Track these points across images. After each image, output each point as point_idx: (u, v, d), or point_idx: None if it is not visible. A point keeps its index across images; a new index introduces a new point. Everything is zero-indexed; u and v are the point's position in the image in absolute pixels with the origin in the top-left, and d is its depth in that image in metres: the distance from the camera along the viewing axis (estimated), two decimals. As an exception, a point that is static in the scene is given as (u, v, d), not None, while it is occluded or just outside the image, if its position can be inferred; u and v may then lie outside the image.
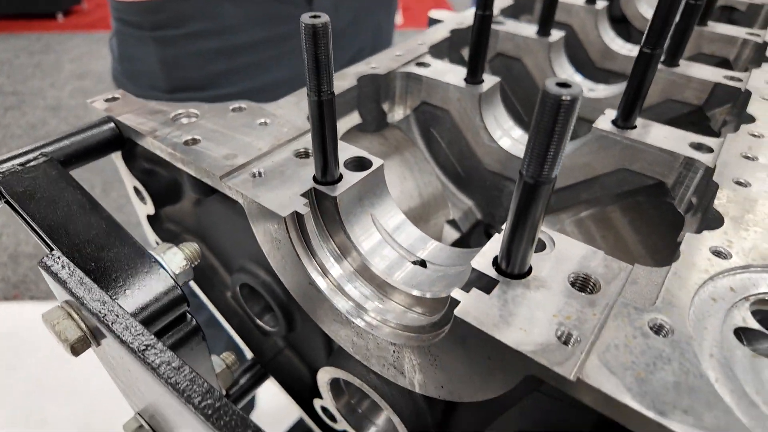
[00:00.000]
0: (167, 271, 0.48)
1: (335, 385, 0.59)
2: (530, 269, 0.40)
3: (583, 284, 0.39)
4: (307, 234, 0.47)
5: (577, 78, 0.84)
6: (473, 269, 0.40)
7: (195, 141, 0.54)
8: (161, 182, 0.65)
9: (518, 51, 0.85)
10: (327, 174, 0.48)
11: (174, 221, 0.71)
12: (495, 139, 0.68)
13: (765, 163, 0.52)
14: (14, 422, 2.09)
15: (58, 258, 0.44)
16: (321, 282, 0.47)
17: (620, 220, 0.68)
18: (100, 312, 0.39)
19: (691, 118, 0.74)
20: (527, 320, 0.35)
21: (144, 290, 0.47)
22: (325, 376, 0.58)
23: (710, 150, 0.55)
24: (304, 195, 0.47)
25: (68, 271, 0.43)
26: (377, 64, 0.71)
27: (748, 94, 0.65)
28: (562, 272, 0.39)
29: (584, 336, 0.34)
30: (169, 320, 0.49)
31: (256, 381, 0.72)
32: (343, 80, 0.67)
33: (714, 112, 0.72)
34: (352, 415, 0.61)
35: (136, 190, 0.67)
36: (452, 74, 0.70)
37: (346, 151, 0.52)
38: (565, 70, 0.84)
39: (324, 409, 0.65)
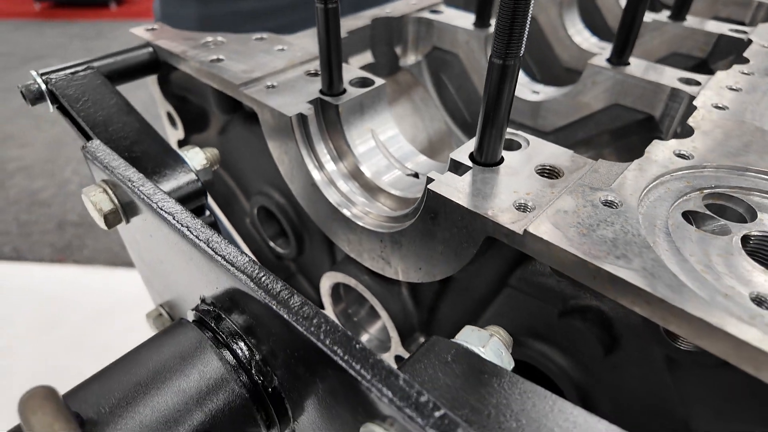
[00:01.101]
0: (190, 167, 0.55)
1: (335, 292, 0.65)
2: (502, 159, 0.44)
3: (549, 173, 0.43)
4: (310, 135, 0.52)
5: (585, 34, 0.87)
6: (451, 159, 0.45)
7: (219, 60, 0.60)
8: (191, 108, 0.72)
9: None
10: (332, 87, 0.54)
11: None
12: (499, 81, 0.72)
13: (748, 93, 0.54)
14: (55, 374, 2.25)
15: (98, 144, 0.52)
16: (317, 175, 0.52)
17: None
18: (129, 180, 0.46)
19: (696, 72, 0.76)
20: (491, 195, 0.40)
21: (169, 179, 0.54)
22: (326, 282, 0.64)
23: (698, 83, 0.57)
24: (310, 102, 0.53)
25: (105, 153, 0.50)
26: (392, 9, 0.76)
27: (750, 44, 0.66)
28: (531, 164, 0.43)
29: (539, 206, 0.38)
30: (189, 209, 0.56)
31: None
32: (358, 20, 0.72)
33: (718, 65, 0.73)
34: (349, 322, 0.66)
35: (168, 115, 0.74)
36: (462, 19, 0.74)
37: (352, 72, 0.58)
38: (576, 26, 0.87)
39: (325, 322, 0.70)
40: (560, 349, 0.48)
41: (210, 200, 0.83)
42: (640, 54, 0.79)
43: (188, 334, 0.42)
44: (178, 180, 0.54)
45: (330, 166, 0.53)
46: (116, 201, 0.50)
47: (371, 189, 0.53)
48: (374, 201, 0.53)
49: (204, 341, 0.41)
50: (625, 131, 0.64)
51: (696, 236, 0.37)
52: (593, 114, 0.64)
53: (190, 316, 0.45)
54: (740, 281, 0.33)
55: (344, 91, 0.55)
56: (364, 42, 0.73)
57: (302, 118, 0.51)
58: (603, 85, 0.61)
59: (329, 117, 0.54)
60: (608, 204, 0.38)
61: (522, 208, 0.39)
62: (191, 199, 0.54)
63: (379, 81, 0.56)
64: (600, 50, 0.86)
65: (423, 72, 0.81)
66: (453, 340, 0.36)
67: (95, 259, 2.96)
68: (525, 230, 0.36)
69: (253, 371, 0.40)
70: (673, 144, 0.45)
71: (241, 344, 0.42)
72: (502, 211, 0.38)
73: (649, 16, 0.87)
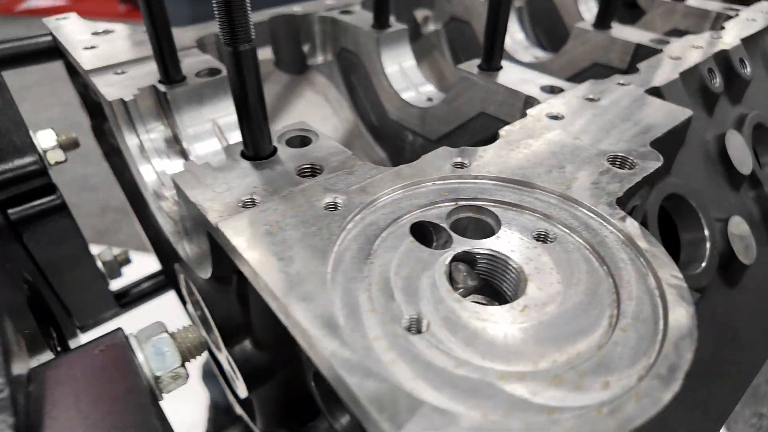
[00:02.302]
0: (37, 147, 0.57)
1: (187, 284, 0.64)
2: (274, 152, 0.42)
3: (309, 172, 0.40)
4: (133, 121, 0.53)
5: (518, 37, 0.82)
6: (225, 152, 0.43)
7: (92, 47, 0.62)
8: (91, 95, 0.75)
9: (468, 14, 0.85)
10: (168, 75, 0.54)
11: (112, 135, 0.81)
12: (392, 84, 0.69)
13: (605, 105, 0.48)
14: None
15: (-53, 120, 0.55)
16: (139, 160, 0.52)
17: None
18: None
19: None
20: (229, 189, 0.38)
21: (13, 156, 0.56)
22: (179, 275, 0.63)
23: (561, 91, 0.52)
24: (141, 89, 0.53)
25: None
26: (301, 7, 0.75)
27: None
28: (301, 161, 0.41)
29: (262, 202, 0.36)
30: (30, 188, 0.57)
31: (159, 289, 0.80)
32: (255, 16, 0.72)
33: (637, 78, 0.66)
34: (202, 313, 0.65)
35: (80, 101, 0.78)
36: (365, 21, 0.72)
37: (203, 63, 0.57)
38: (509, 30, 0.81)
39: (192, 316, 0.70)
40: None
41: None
42: (563, 63, 0.73)
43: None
44: (22, 159, 0.56)
45: (153, 150, 0.53)
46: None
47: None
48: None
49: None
50: (493, 141, 0.59)
51: (407, 247, 0.33)
52: (467, 122, 0.60)
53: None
54: (425, 299, 0.29)
55: (184, 79, 0.54)
56: (261, 38, 0.73)
57: (124, 103, 0.52)
58: (471, 91, 0.57)
59: (162, 102, 0.54)
60: (332, 207, 0.35)
61: (248, 204, 0.36)
62: (32, 177, 0.56)
63: (224, 73, 0.56)
64: (534, 58, 0.80)
65: (334, 73, 0.79)
66: (133, 333, 0.34)
67: (127, 243, 3.15)
68: (217, 225, 0.34)
69: None
70: (458, 152, 0.41)
71: None
72: (223, 205, 0.36)
73: (577, 22, 0.80)
